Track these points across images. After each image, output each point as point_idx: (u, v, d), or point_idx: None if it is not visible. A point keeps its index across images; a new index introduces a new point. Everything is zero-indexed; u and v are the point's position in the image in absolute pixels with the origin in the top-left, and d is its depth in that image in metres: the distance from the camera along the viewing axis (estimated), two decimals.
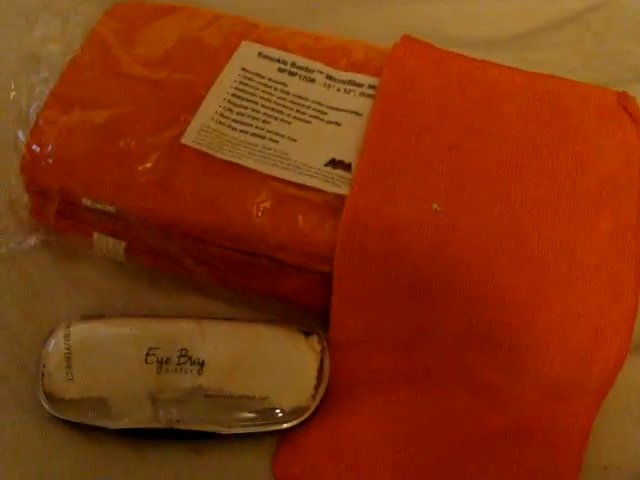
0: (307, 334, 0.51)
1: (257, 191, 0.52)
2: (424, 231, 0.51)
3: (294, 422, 0.49)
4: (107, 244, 0.55)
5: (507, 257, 0.51)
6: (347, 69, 0.58)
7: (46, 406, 0.49)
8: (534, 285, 0.51)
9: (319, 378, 0.50)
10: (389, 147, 0.53)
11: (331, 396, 0.50)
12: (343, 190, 0.52)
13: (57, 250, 0.58)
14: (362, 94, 0.57)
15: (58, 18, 0.63)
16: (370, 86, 0.57)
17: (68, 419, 0.49)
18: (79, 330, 0.51)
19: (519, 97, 0.56)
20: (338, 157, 0.53)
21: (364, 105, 0.56)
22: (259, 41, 0.59)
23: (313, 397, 0.49)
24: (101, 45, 0.59)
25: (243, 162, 0.53)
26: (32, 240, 0.57)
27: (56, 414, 0.49)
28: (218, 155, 0.53)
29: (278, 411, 0.48)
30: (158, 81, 0.57)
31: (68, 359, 0.50)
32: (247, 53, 0.59)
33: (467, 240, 0.51)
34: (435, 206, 0.51)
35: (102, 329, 0.52)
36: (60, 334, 0.51)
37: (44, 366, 0.50)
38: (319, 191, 0.52)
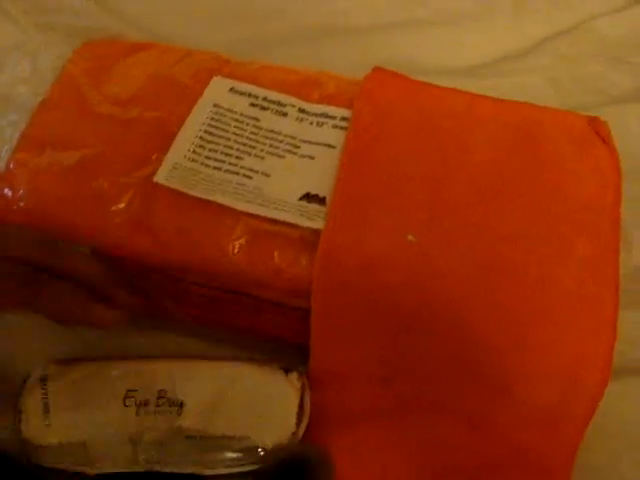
0: (287, 371, 0.50)
1: (232, 228, 0.52)
2: (400, 263, 0.50)
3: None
4: None
5: (485, 286, 0.51)
6: (319, 102, 0.58)
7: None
8: (513, 313, 0.51)
9: (300, 415, 0.49)
10: (363, 180, 0.53)
11: (312, 431, 0.49)
12: (318, 224, 0.52)
13: None
14: (335, 126, 0.57)
15: (27, 58, 0.63)
16: (343, 118, 0.57)
17: (47, 466, 0.48)
18: (56, 374, 0.50)
19: (491, 125, 0.56)
20: (312, 191, 0.53)
21: (337, 137, 0.56)
22: (230, 76, 0.59)
23: (294, 434, 0.48)
24: (71, 84, 0.59)
25: (217, 199, 0.52)
26: None
27: (34, 461, 0.48)
28: (192, 193, 0.53)
29: (260, 450, 0.48)
30: (129, 120, 0.56)
31: (45, 404, 0.49)
32: (218, 89, 0.58)
33: (444, 270, 0.51)
34: (410, 237, 0.51)
35: (79, 372, 0.51)
36: (36, 378, 0.50)
37: (20, 412, 0.49)
38: (294, 226, 0.52)
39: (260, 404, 0.49)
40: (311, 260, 0.51)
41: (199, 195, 0.53)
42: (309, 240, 0.51)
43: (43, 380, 0.50)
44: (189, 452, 0.48)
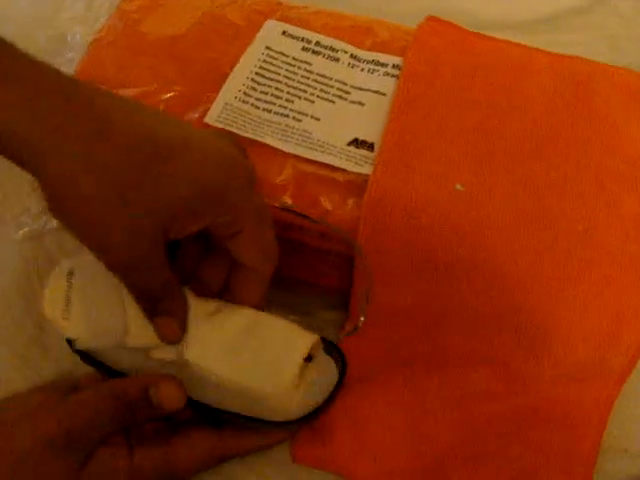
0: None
1: (280, 170, 0.52)
2: (447, 211, 0.50)
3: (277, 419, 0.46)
4: None
5: (530, 238, 0.51)
6: (371, 49, 0.58)
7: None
8: (556, 267, 0.50)
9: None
10: (413, 127, 0.53)
11: (350, 377, 0.49)
12: (366, 170, 0.52)
13: None
14: (386, 74, 0.56)
15: None
16: (394, 66, 0.57)
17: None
18: (83, 270, 0.47)
19: (544, 78, 0.56)
20: (361, 137, 0.53)
21: (388, 85, 0.56)
22: (283, 19, 0.59)
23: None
24: (124, 23, 0.59)
25: (266, 141, 0.53)
26: (55, 221, 0.57)
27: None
28: (241, 133, 0.53)
29: (260, 402, 0.46)
30: (182, 59, 0.57)
31: (67, 298, 0.47)
32: (271, 31, 0.59)
33: (490, 221, 0.51)
34: (458, 186, 0.51)
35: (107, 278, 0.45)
36: (64, 270, 0.47)
37: (43, 299, 0.47)
38: (342, 170, 0.52)
39: (268, 355, 0.46)
40: (357, 204, 0.51)
41: (248, 136, 0.53)
42: (356, 184, 0.51)
43: (70, 274, 0.47)
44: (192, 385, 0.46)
